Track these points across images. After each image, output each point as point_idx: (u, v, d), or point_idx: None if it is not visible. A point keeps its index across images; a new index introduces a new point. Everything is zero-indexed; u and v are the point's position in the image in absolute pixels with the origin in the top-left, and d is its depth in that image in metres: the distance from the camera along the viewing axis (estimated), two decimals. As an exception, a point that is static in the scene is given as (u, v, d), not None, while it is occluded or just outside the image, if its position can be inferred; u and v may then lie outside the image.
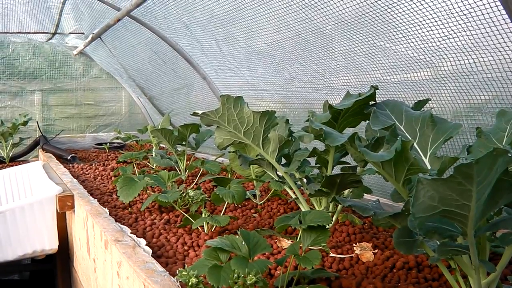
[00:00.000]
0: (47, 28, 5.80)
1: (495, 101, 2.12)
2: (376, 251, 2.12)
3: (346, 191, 2.41)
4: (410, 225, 1.38)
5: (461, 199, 1.17)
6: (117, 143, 5.91)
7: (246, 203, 3.01)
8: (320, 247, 1.97)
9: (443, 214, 1.22)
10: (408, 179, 1.49)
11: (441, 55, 2.17)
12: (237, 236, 1.71)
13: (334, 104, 2.08)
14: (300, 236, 1.78)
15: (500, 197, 1.24)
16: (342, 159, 2.42)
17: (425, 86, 2.40)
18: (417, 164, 1.42)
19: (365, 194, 2.53)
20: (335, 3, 2.34)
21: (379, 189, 2.84)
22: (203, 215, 2.41)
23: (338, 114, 2.11)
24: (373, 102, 1.95)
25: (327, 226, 1.80)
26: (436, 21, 2.03)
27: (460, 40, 2.02)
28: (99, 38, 5.35)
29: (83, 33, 5.73)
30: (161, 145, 4.77)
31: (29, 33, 5.98)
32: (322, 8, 2.44)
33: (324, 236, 1.73)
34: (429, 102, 2.12)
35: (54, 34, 5.96)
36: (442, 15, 1.98)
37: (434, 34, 2.09)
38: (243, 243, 1.66)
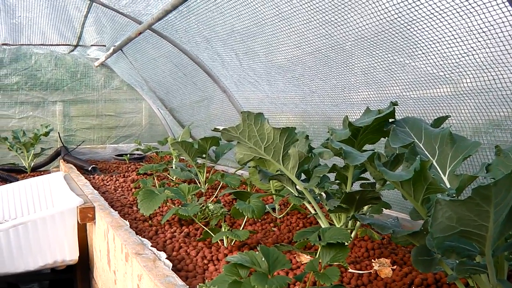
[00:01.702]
0: (69, 40, 5.89)
1: (514, 118, 2.12)
2: (394, 267, 2.12)
3: (365, 207, 2.41)
4: (429, 244, 1.40)
5: (479, 220, 1.18)
6: (137, 154, 5.96)
7: (266, 216, 3.02)
8: (339, 263, 1.98)
9: (461, 234, 1.24)
10: (426, 198, 1.50)
11: (461, 72, 2.18)
12: (256, 252, 1.72)
13: (354, 121, 2.10)
14: (319, 252, 1.79)
15: (518, 217, 1.25)
16: (361, 175, 2.43)
17: (444, 102, 2.41)
18: (435, 184, 1.42)
19: (384, 209, 2.54)
20: (355, 20, 2.36)
21: (398, 204, 2.84)
22: (223, 229, 2.42)
23: (357, 131, 2.12)
24: (392, 120, 1.96)
25: (346, 243, 1.81)
26: (455, 38, 2.04)
27: (479, 57, 2.02)
28: (120, 51, 5.42)
29: (104, 46, 5.82)
30: (181, 157, 4.80)
31: (51, 45, 6.08)
32: (342, 25, 2.46)
33: (343, 253, 1.74)
34: (449, 118, 2.13)
35: (76, 46, 6.05)
36: (462, 32, 1.99)
37: (453, 51, 2.10)
38: (263, 259, 1.68)
